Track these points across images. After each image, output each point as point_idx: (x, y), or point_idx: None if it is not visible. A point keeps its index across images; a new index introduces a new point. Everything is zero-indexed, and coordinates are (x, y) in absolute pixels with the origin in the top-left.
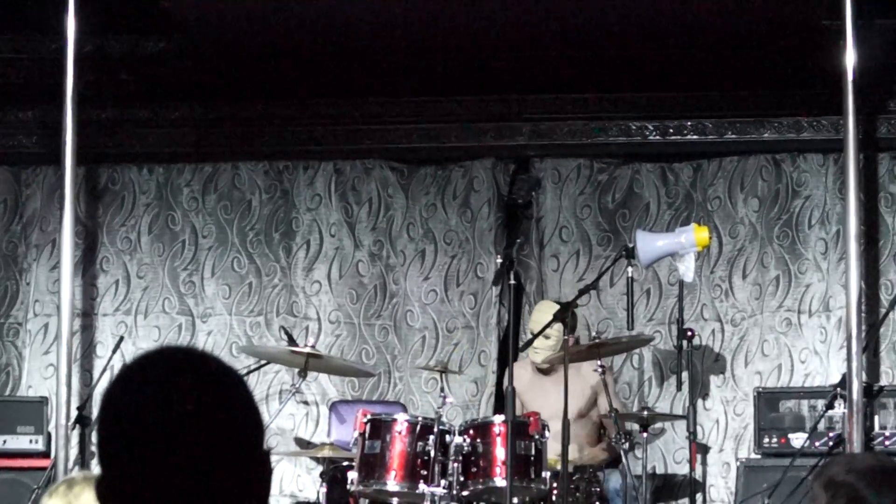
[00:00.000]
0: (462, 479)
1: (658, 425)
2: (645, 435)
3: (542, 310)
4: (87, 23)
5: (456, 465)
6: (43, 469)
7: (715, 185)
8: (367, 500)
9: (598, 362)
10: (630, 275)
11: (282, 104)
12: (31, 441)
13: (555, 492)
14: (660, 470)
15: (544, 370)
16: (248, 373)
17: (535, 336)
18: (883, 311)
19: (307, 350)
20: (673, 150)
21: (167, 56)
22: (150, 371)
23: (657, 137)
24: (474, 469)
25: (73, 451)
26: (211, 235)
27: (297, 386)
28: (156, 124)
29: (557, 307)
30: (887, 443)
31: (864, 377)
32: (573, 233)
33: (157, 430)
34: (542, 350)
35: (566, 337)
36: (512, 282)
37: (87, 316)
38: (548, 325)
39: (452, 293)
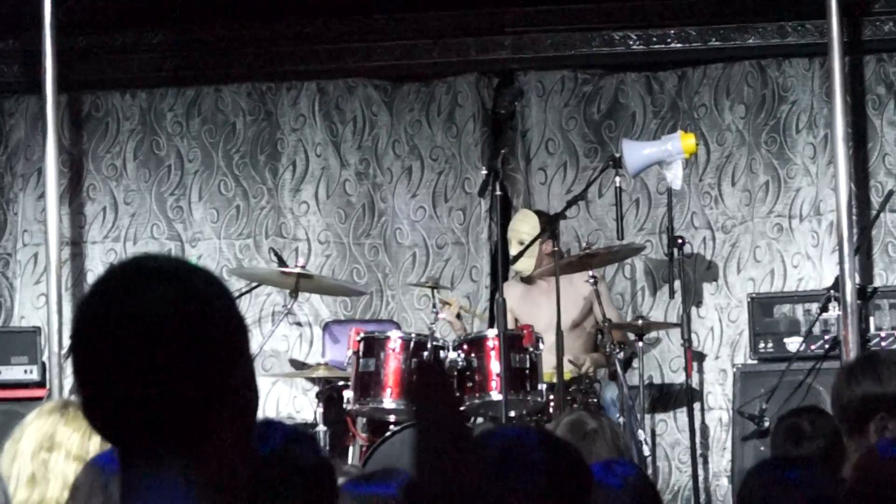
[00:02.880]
0: (458, 394)
1: (653, 334)
2: (640, 344)
3: (520, 219)
4: None
5: (451, 380)
6: (39, 399)
7: (700, 93)
8: (363, 419)
9: (590, 273)
10: (618, 185)
11: (263, 25)
12: (25, 371)
13: (551, 404)
14: (656, 380)
15: (529, 280)
16: (240, 295)
17: (525, 248)
18: (874, 212)
19: (297, 271)
20: (657, 59)
21: None
22: (113, 283)
23: (641, 46)
24: (470, 384)
25: (68, 381)
26: (196, 159)
27: (288, 307)
28: (136, 49)
29: (535, 215)
30: (883, 344)
31: (857, 279)
32: (559, 145)
33: (125, 340)
34: (524, 260)
35: (556, 248)
36: (498, 193)
37: (76, 244)
38: (537, 238)
39: (441, 209)
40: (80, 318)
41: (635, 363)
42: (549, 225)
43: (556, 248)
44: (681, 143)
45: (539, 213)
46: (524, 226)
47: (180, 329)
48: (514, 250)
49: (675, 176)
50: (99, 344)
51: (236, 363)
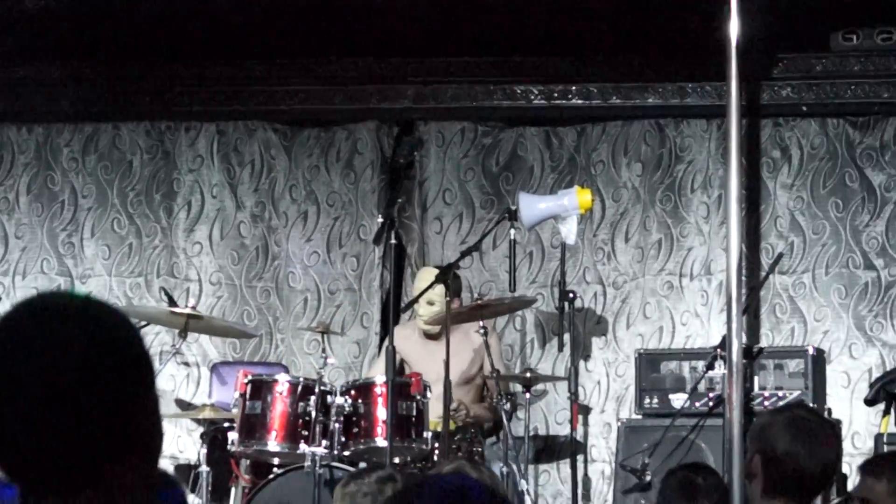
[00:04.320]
0: (343, 439)
1: (540, 386)
2: (527, 396)
3: (424, 277)
4: None
5: (337, 425)
6: None
7: (599, 150)
8: (247, 461)
9: (481, 324)
10: (512, 237)
11: (163, 65)
12: None
13: (436, 452)
14: (542, 431)
15: (431, 335)
16: None
17: (417, 297)
18: (763, 274)
19: (187, 311)
20: (557, 115)
21: (47, 15)
22: (19, 320)
23: (542, 101)
24: (356, 429)
25: None
26: (91, 196)
27: (177, 347)
28: (35, 84)
29: (437, 271)
30: (766, 403)
31: (743, 339)
32: (456, 195)
33: (30, 376)
34: (426, 316)
35: (447, 299)
36: (393, 241)
37: None
38: (429, 287)
39: (335, 255)
40: None
41: (521, 414)
42: (443, 275)
43: (447, 299)
44: (577, 198)
45: (440, 269)
46: (427, 283)
47: (86, 366)
48: (421, 310)
49: (569, 231)
50: (3, 380)
51: (142, 401)
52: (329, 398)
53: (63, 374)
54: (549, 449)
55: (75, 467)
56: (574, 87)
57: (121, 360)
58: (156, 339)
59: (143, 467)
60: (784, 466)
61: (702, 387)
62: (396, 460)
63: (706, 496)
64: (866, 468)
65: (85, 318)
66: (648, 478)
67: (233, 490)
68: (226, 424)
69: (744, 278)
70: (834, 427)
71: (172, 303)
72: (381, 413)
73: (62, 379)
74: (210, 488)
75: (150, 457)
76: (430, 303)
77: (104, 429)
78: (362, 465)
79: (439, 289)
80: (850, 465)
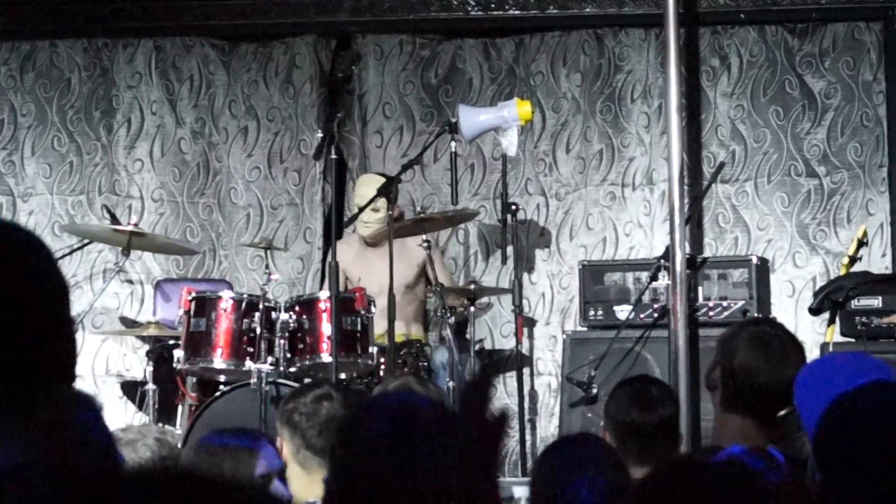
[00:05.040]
0: (289, 355)
1: (485, 299)
2: (472, 309)
3: (365, 183)
4: None
5: (282, 341)
6: None
7: (538, 61)
8: (193, 378)
9: (424, 237)
10: (453, 150)
11: None
12: None
13: (382, 367)
14: (487, 345)
15: (371, 244)
16: (71, 252)
17: (361, 210)
18: (705, 183)
19: (130, 228)
20: (495, 26)
21: None
22: None
23: (479, 13)
24: (301, 345)
25: None
26: (30, 114)
27: (120, 265)
28: None
29: (381, 179)
30: (711, 313)
31: (687, 249)
32: (396, 108)
33: None
34: (372, 223)
35: (390, 212)
36: (333, 156)
37: None
38: (372, 201)
39: (276, 170)
40: None
41: (467, 333)
42: (385, 189)
43: (390, 213)
44: (517, 109)
45: (384, 176)
46: (369, 190)
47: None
48: (365, 216)
49: (510, 142)
50: None
51: (55, 323)
52: (273, 314)
53: None
54: (494, 362)
55: None
56: None
57: (31, 282)
58: (99, 256)
59: (60, 390)
60: (740, 380)
61: (646, 298)
62: (342, 376)
63: (662, 406)
64: None
65: None
66: (595, 390)
67: (179, 408)
68: (171, 342)
69: (686, 188)
70: (799, 345)
71: (115, 220)
72: (326, 329)
73: None
74: (157, 406)
75: (65, 379)
76: (375, 210)
77: (16, 353)
78: (308, 381)
79: (382, 199)
80: None
